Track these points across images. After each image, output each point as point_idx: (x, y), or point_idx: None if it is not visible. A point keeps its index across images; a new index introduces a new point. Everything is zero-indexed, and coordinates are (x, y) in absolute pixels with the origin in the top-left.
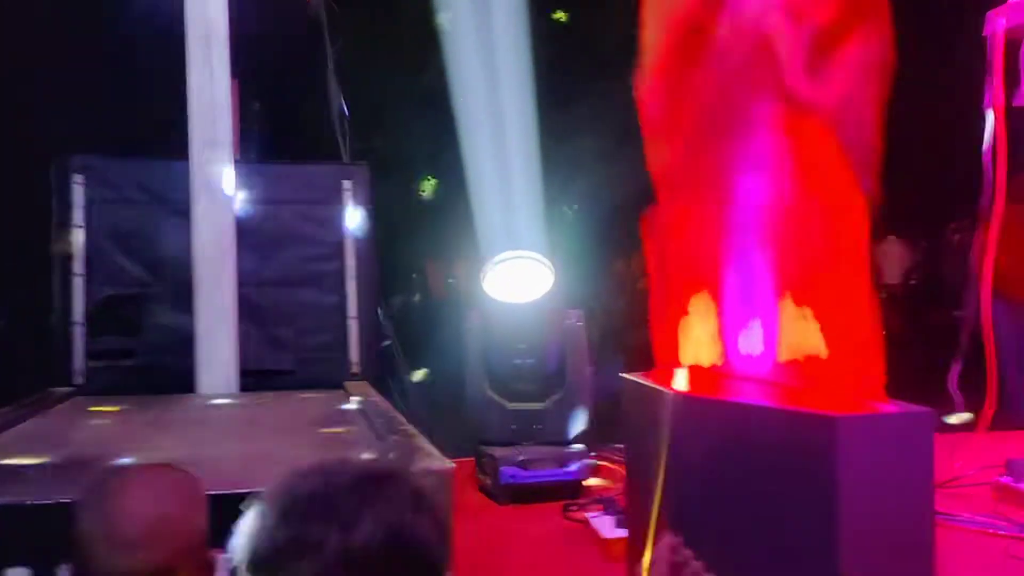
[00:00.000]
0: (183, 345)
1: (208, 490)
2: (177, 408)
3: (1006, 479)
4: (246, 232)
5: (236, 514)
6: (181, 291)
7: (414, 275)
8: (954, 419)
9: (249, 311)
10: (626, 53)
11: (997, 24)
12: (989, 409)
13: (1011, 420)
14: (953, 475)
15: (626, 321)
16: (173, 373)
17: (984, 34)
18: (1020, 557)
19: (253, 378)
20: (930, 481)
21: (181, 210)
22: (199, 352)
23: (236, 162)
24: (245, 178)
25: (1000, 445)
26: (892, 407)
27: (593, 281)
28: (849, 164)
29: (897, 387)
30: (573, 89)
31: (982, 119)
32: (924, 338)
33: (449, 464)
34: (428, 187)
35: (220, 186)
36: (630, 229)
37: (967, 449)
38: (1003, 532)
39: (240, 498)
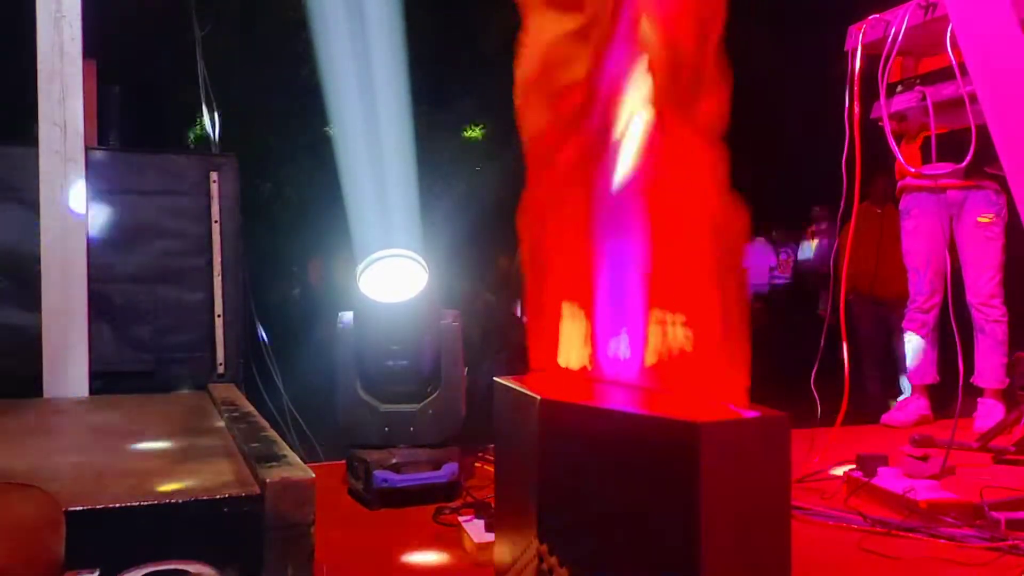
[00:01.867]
0: (29, 345)
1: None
2: (20, 415)
3: (856, 473)
4: (101, 224)
5: (83, 532)
6: (27, 287)
7: (294, 268)
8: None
9: (102, 309)
10: (509, 48)
11: (856, 39)
12: (844, 405)
13: (871, 413)
14: (811, 470)
15: (507, 319)
16: (17, 376)
17: (845, 48)
18: (871, 551)
19: (106, 381)
20: (787, 481)
21: (27, 199)
22: (45, 353)
23: (91, 149)
24: (101, 166)
25: (856, 439)
26: (751, 412)
27: (475, 278)
28: (716, 170)
29: (764, 387)
30: (455, 84)
31: (842, 127)
32: (790, 336)
33: (309, 474)
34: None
35: (71, 174)
36: (513, 225)
37: (824, 444)
38: (855, 526)
39: (88, 515)
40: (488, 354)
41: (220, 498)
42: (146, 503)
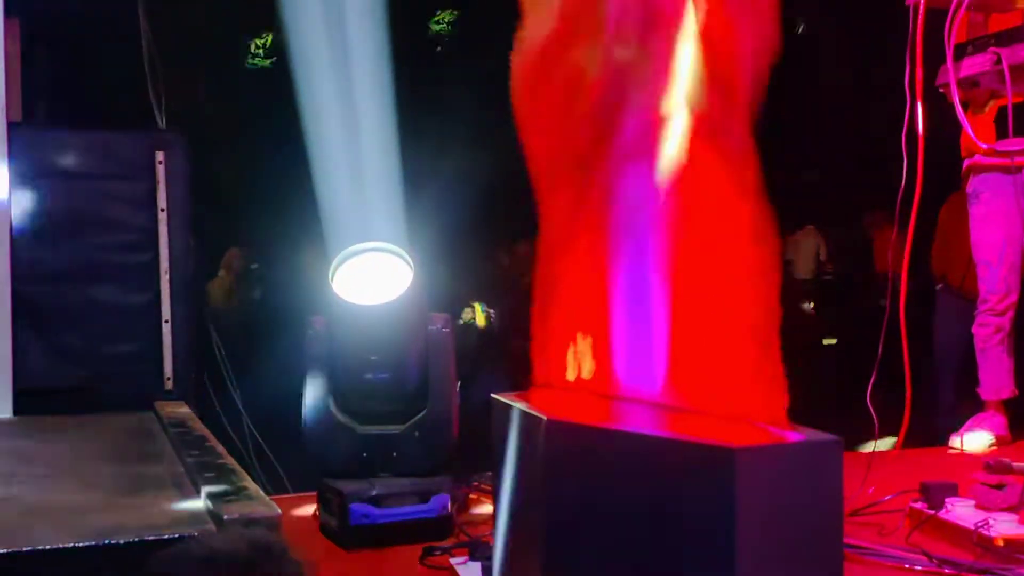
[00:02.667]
0: None
1: None
2: None
3: (920, 504)
4: (25, 214)
5: None
6: None
7: (253, 266)
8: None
9: (28, 314)
10: (499, 31)
11: None
12: (906, 422)
13: (942, 433)
14: (867, 501)
15: (510, 324)
16: None
17: (906, 3)
18: None
19: (33, 399)
20: (838, 514)
21: None
22: None
23: (13, 125)
24: (27, 145)
25: (920, 464)
26: (795, 435)
27: (470, 276)
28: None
29: (811, 400)
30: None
31: (903, 99)
32: (842, 339)
33: (275, 510)
34: None
35: None
36: (512, 213)
37: (883, 470)
38: (919, 567)
39: (10, 560)
40: (485, 365)
41: (169, 538)
42: (81, 545)
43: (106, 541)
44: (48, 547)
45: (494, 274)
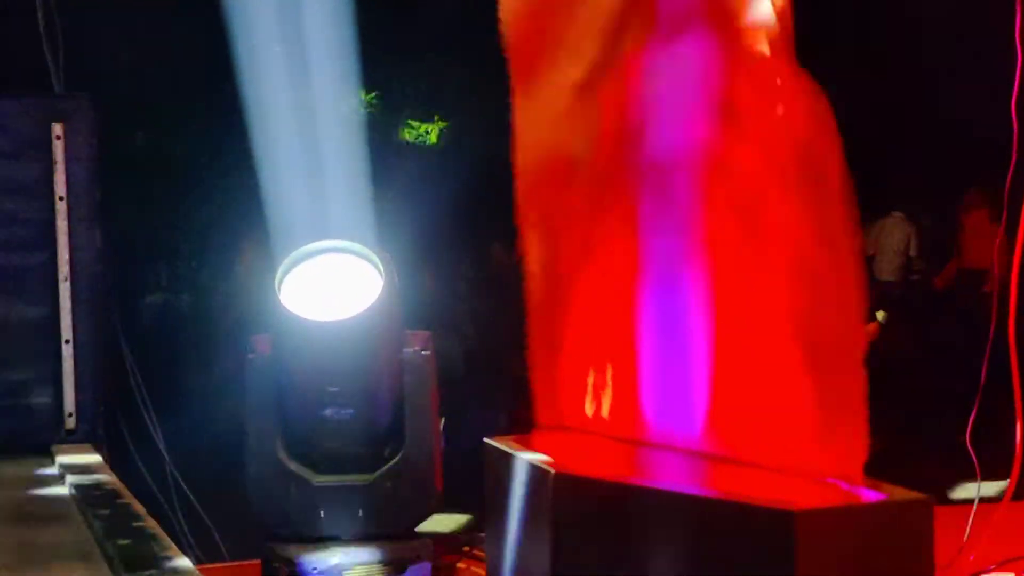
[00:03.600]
0: None
1: None
2: None
3: None
4: None
5: None
6: None
7: (192, 264)
8: (964, 492)
9: None
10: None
11: None
12: (1016, 469)
13: None
14: (967, 568)
15: (506, 337)
16: None
17: None
18: None
19: None
20: None
21: None
22: None
23: None
24: None
25: None
26: (871, 493)
27: (453, 279)
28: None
29: (895, 440)
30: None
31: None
32: (935, 361)
33: None
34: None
35: None
36: (498, 202)
37: (986, 528)
38: None
39: None
40: (476, 394)
41: None
42: None
43: None
44: None
45: (487, 272)
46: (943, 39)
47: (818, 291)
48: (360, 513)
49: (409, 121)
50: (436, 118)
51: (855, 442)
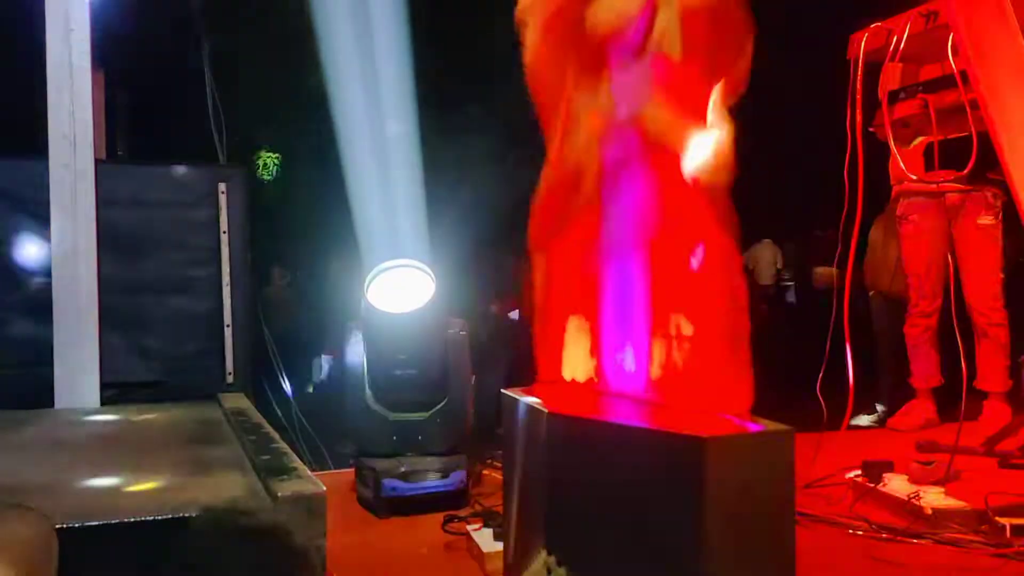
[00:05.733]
0: (40, 356)
1: (61, 524)
2: (33, 426)
3: (861, 479)
4: (111, 236)
5: (92, 547)
6: (39, 299)
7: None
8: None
9: (113, 319)
10: (514, 52)
11: (858, 47)
12: (849, 408)
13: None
14: (817, 475)
15: (512, 325)
16: (31, 387)
17: (847, 57)
18: (877, 558)
19: (118, 391)
20: (791, 491)
21: (38, 212)
22: (57, 364)
23: (100, 162)
24: (111, 179)
25: (863, 443)
26: (755, 425)
27: (484, 283)
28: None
29: (772, 390)
30: (461, 89)
31: (845, 136)
32: (798, 337)
33: (321, 488)
34: (269, 164)
35: (80, 187)
36: (522, 230)
37: (831, 448)
38: (861, 532)
39: (97, 530)
40: (497, 357)
41: (232, 511)
42: (160, 517)
43: (179, 515)
44: (131, 520)
45: (505, 279)
46: (797, 96)
47: (722, 290)
48: (419, 438)
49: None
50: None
51: (744, 390)
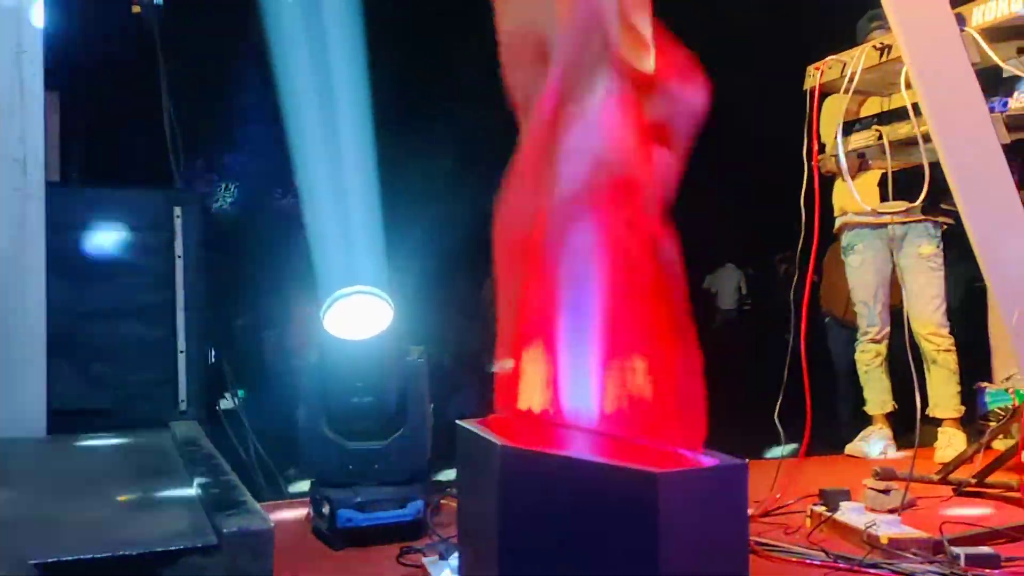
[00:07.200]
0: None
1: None
2: None
3: (819, 507)
4: (62, 260)
5: None
6: None
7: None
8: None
9: (62, 345)
10: (478, 73)
11: (815, 79)
12: (807, 435)
13: (841, 441)
14: (775, 504)
15: (479, 346)
16: None
17: (804, 88)
18: None
19: (66, 419)
20: (744, 523)
21: None
22: (2, 391)
23: (52, 185)
24: (62, 202)
25: (822, 470)
26: (709, 460)
27: (449, 305)
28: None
29: (732, 416)
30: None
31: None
32: (759, 363)
33: (269, 524)
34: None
35: (30, 210)
36: (482, 256)
37: (790, 476)
38: (817, 563)
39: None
40: (460, 385)
41: (175, 550)
42: (98, 556)
43: (120, 553)
44: (70, 558)
45: (465, 308)
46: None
47: (676, 330)
48: (375, 466)
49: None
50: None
51: (699, 424)
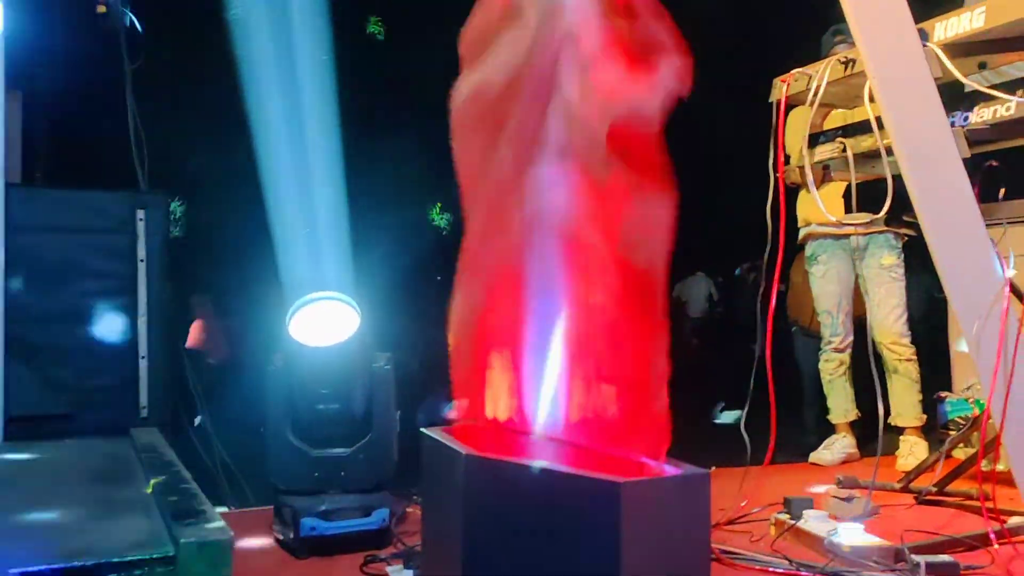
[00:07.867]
0: None
1: None
2: None
3: (783, 515)
4: (21, 263)
5: None
6: None
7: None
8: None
9: (21, 350)
10: (447, 78)
11: (780, 91)
12: (772, 444)
13: (807, 448)
14: (741, 512)
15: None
16: None
17: (769, 100)
18: None
19: (23, 425)
20: (706, 532)
21: None
22: None
23: (12, 185)
24: (23, 203)
25: (786, 478)
26: (672, 469)
27: (418, 313)
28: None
29: (699, 424)
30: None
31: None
32: (728, 371)
33: (227, 534)
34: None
35: None
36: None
37: (755, 484)
38: (781, 570)
39: None
40: (431, 388)
41: (130, 560)
42: (54, 567)
43: (75, 564)
44: (19, 571)
45: (433, 315)
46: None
47: (644, 340)
48: (341, 474)
49: None
50: None
51: (663, 433)
